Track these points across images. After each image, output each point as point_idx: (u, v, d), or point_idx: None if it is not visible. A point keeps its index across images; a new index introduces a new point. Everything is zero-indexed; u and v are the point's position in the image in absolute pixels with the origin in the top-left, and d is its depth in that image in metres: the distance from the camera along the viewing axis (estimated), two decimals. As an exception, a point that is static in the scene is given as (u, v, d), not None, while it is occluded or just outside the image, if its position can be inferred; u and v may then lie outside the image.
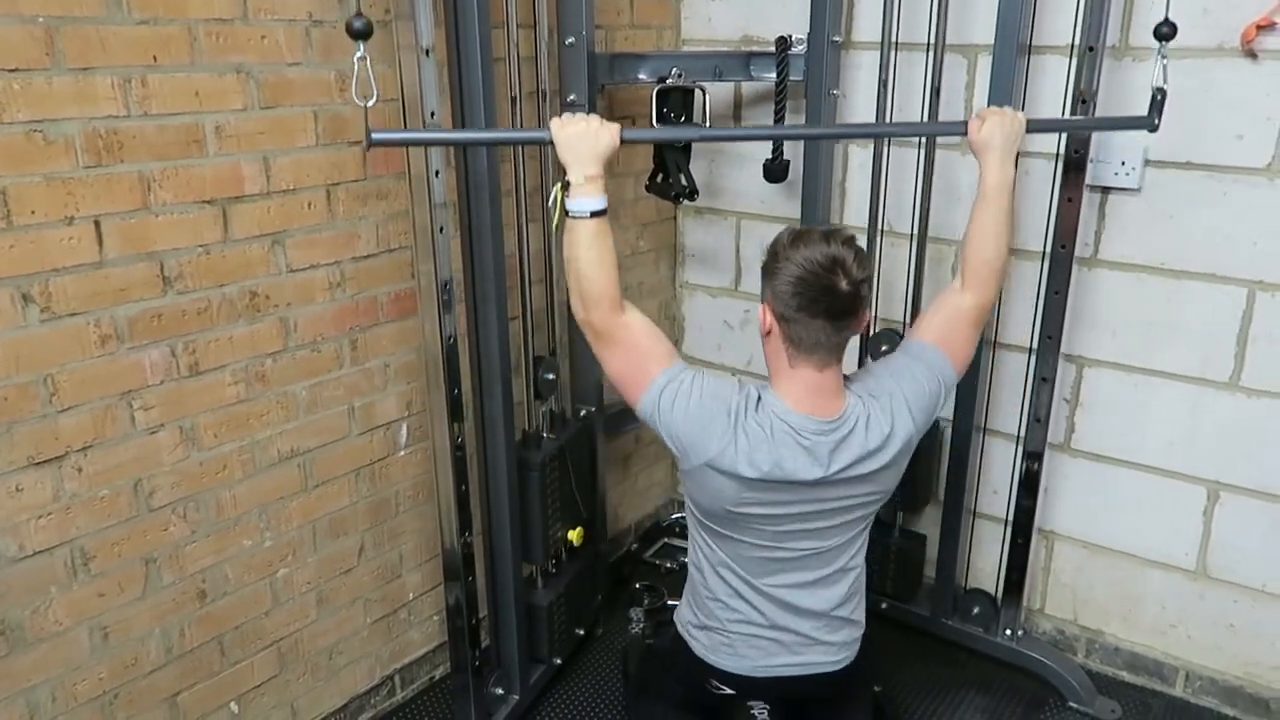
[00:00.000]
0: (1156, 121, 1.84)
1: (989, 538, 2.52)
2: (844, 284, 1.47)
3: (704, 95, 2.31)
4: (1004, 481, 2.43)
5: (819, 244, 1.49)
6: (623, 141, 1.55)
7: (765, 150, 2.46)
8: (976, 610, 2.48)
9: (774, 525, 1.60)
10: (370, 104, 1.43)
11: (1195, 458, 2.24)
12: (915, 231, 2.32)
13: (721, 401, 1.54)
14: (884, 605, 2.57)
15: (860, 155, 2.48)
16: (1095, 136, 2.08)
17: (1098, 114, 2.03)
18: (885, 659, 2.48)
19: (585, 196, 1.53)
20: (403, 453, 2.21)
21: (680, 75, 2.30)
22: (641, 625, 2.64)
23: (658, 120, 2.31)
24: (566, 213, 1.54)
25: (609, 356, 1.60)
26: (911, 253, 2.34)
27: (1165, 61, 1.79)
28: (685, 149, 2.39)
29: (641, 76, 2.35)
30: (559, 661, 2.39)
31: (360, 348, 2.07)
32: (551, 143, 1.55)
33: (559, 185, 1.56)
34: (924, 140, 2.25)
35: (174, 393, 1.76)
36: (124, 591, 1.76)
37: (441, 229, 1.76)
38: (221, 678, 1.95)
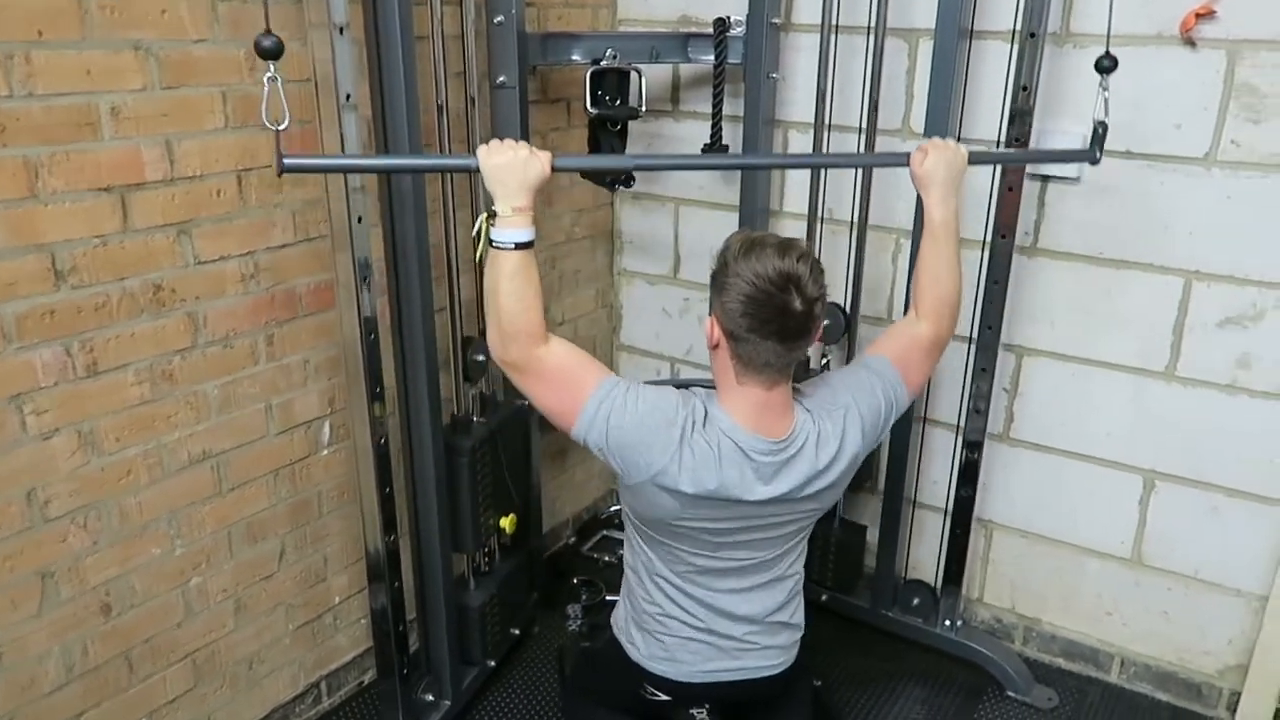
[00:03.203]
0: (1098, 155, 1.81)
1: (929, 528, 2.51)
2: (797, 303, 1.38)
3: (640, 78, 2.24)
4: (944, 472, 2.41)
5: (772, 257, 1.38)
6: (554, 170, 1.46)
7: (705, 134, 2.40)
8: (916, 601, 2.47)
9: (714, 538, 1.54)
10: (283, 128, 1.32)
11: (1132, 447, 2.24)
12: (855, 219, 2.27)
13: (664, 416, 1.46)
14: (824, 597, 2.54)
15: (800, 140, 2.42)
16: (1037, 125, 2.05)
17: (1038, 101, 1.99)
18: (825, 652, 2.46)
19: (511, 228, 1.43)
20: (325, 451, 2.10)
21: (615, 57, 2.22)
22: (579, 623, 2.57)
23: (592, 105, 2.22)
24: (490, 242, 1.45)
25: (534, 391, 1.50)
26: (851, 241, 2.30)
27: (1107, 94, 1.75)
28: (621, 133, 2.31)
29: (575, 57, 2.26)
30: (493, 663, 2.31)
31: (278, 342, 1.95)
32: (478, 171, 1.45)
33: (484, 216, 1.47)
34: (864, 126, 2.20)
35: (70, 395, 1.63)
36: (18, 609, 1.63)
37: (360, 218, 1.66)
38: (130, 695, 1.84)
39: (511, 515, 2.26)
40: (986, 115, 2.13)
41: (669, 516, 1.50)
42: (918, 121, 2.19)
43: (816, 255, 1.47)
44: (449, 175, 1.99)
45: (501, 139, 1.47)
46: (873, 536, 2.52)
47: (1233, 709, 2.25)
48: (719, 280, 1.43)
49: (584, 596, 2.68)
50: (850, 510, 2.56)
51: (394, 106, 1.72)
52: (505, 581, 2.31)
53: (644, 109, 2.25)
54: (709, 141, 2.35)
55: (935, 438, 2.44)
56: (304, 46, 1.63)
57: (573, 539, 2.98)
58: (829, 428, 1.51)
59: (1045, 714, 2.32)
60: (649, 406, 1.46)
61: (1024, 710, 2.33)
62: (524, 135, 2.13)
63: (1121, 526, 2.30)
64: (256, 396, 1.94)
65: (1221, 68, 1.92)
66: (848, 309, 2.33)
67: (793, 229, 2.45)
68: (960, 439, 2.30)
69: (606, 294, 2.92)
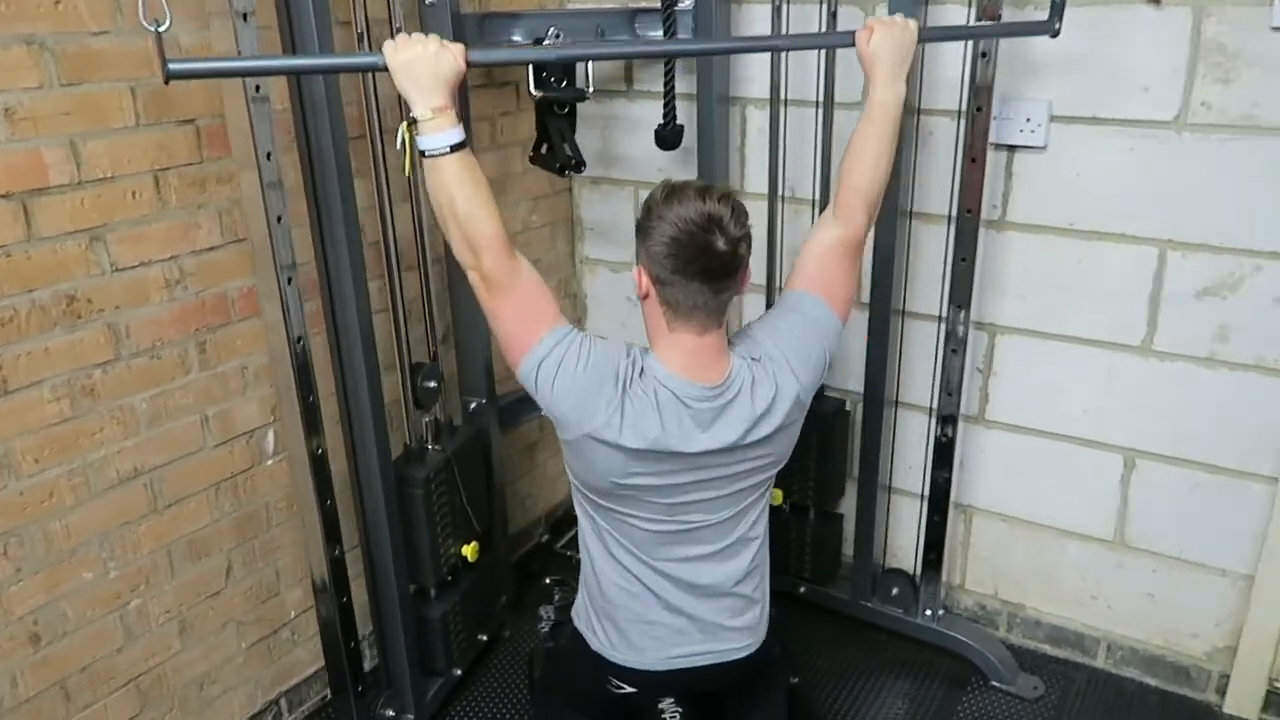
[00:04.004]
0: (1057, 26, 1.69)
1: (907, 515, 2.43)
2: (721, 243, 1.36)
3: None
4: (920, 457, 2.33)
5: (694, 200, 1.37)
6: (469, 65, 1.36)
7: (658, 116, 2.29)
8: (896, 590, 2.39)
9: (664, 497, 1.47)
10: (164, 28, 1.21)
11: (1111, 425, 2.16)
12: (817, 197, 2.18)
13: (610, 367, 1.41)
14: (802, 589, 2.47)
15: (759, 118, 2.32)
16: (997, 92, 1.95)
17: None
18: (804, 645, 2.39)
19: (438, 131, 1.35)
20: (270, 461, 2.01)
21: (559, 36, 2.12)
22: (551, 623, 2.49)
23: (536, 87, 2.12)
24: (422, 154, 1.36)
25: (501, 307, 1.43)
26: (814, 219, 2.20)
27: None
28: (569, 116, 2.21)
29: (516, 38, 2.16)
30: (459, 672, 2.23)
31: (211, 350, 1.86)
32: (385, 69, 1.34)
33: (405, 123, 1.36)
34: (821, 100, 2.10)
35: (-21, 416, 1.54)
36: (-65, 644, 1.55)
37: (279, 218, 1.56)
38: (68, 725, 1.76)
39: (474, 543, 2.18)
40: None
41: (614, 475, 1.43)
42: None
43: (737, 196, 1.42)
44: (383, 169, 1.88)
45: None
46: (851, 526, 2.44)
47: (1222, 692, 2.18)
48: (644, 227, 1.41)
49: (557, 597, 2.57)
50: (827, 501, 2.47)
51: (311, 106, 1.61)
52: (469, 590, 2.23)
53: (591, 90, 2.15)
54: (662, 123, 2.25)
55: (909, 421, 2.36)
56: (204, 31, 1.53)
57: (545, 536, 2.90)
58: (761, 375, 1.47)
59: (1031, 703, 2.25)
60: (599, 356, 1.42)
61: (1009, 700, 2.25)
62: (464, 122, 2.02)
63: (1102, 507, 2.22)
64: (190, 408, 1.85)
65: (1188, 26, 1.83)
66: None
67: (754, 209, 2.34)
68: (933, 423, 2.22)
69: (570, 283, 2.82)
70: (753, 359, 1.48)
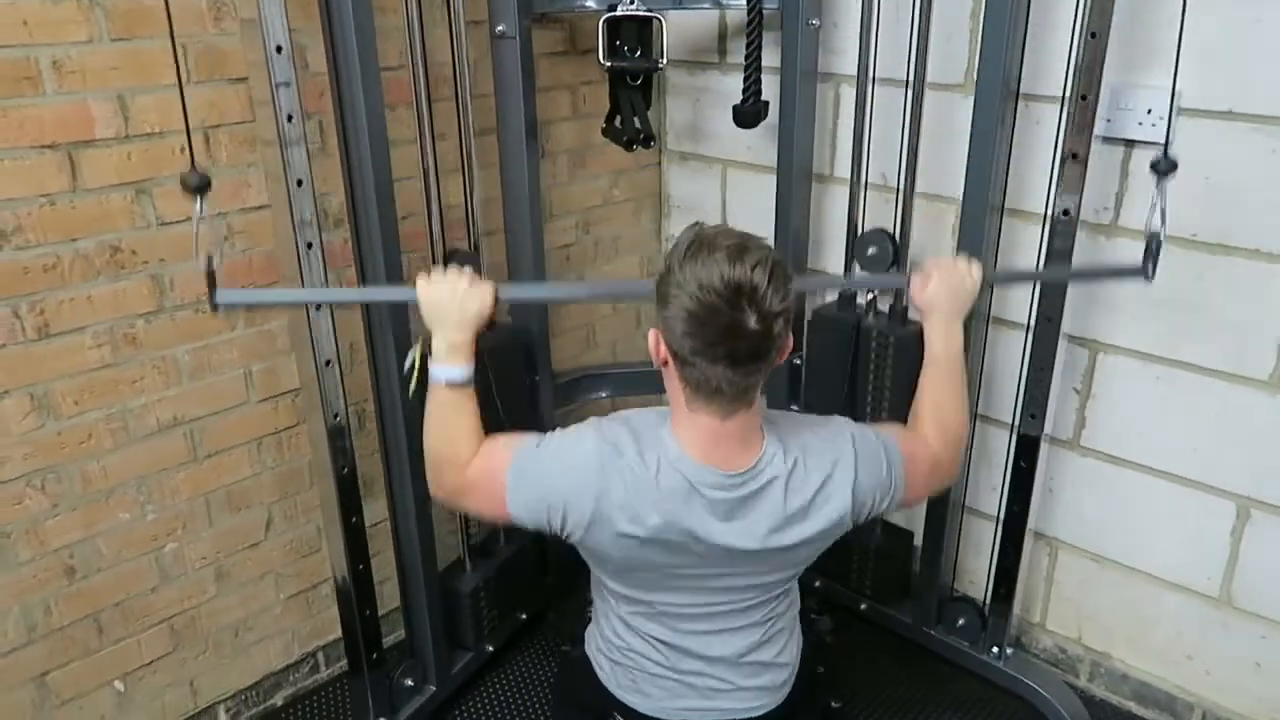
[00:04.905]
0: (1151, 272, 1.53)
1: (983, 539, 2.21)
2: (752, 321, 1.15)
3: (662, 26, 2.01)
4: (1001, 478, 2.11)
5: (721, 263, 1.14)
6: (498, 301, 1.39)
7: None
8: (962, 621, 2.18)
9: (677, 581, 1.36)
10: (216, 263, 1.35)
11: (1225, 467, 1.88)
12: (901, 184, 1.98)
13: (577, 457, 1.30)
14: (863, 605, 2.30)
15: (853, 96, 2.13)
16: (1114, 78, 1.71)
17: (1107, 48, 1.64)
18: (858, 667, 2.23)
19: (443, 364, 1.36)
20: (316, 421, 2.03)
21: (634, 2, 2.00)
22: (586, 623, 2.43)
23: (607, 56, 2.02)
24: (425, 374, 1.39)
25: (471, 504, 1.40)
26: (899, 207, 2.00)
27: (1162, 206, 1.48)
28: (643, 86, 2.09)
29: (589, 3, 2.06)
30: (491, 649, 2.21)
31: (258, 308, 1.88)
32: (415, 303, 1.39)
33: (416, 350, 1.44)
34: (911, 79, 1.90)
35: (20, 357, 1.60)
36: (-32, 568, 1.65)
37: (299, 181, 1.54)
38: (100, 656, 1.83)
39: None
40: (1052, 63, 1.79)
41: (616, 562, 1.36)
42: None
43: (780, 258, 1.20)
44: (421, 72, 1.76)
45: (446, 263, 1.48)
46: (920, 543, 2.25)
47: (1333, 786, 1.89)
48: (661, 289, 1.21)
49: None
50: (896, 514, 2.29)
51: (347, 60, 1.57)
52: (508, 563, 2.19)
53: (665, 61, 2.03)
54: (742, 98, 2.10)
55: (994, 437, 2.14)
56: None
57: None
58: (808, 474, 1.30)
59: (1101, 766, 2.02)
60: (557, 447, 1.33)
61: (1076, 758, 2.03)
62: (527, 94, 1.95)
63: (1208, 559, 1.94)
64: (234, 362, 1.88)
65: (1353, 5, 1.53)
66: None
67: (839, 195, 2.17)
68: (1013, 444, 1.99)
69: (654, 262, 2.72)
70: (805, 451, 1.32)
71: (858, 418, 2.02)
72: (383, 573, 2.10)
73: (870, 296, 2.05)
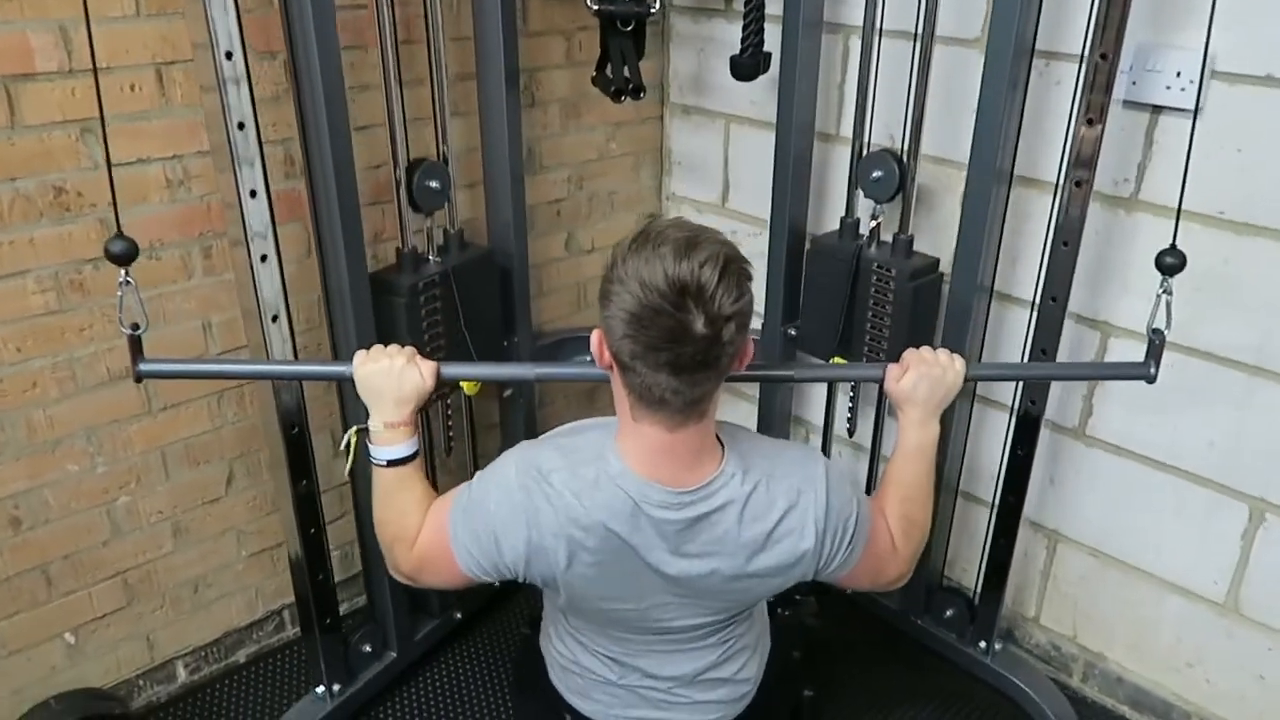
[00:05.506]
0: (1153, 370, 1.45)
1: (977, 527, 2.10)
2: (698, 325, 1.02)
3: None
4: (996, 461, 1.98)
5: (666, 258, 1.02)
6: (441, 379, 1.32)
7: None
8: (950, 612, 2.08)
9: (625, 619, 1.28)
10: (141, 333, 1.33)
11: (1241, 466, 1.74)
12: (906, 144, 1.84)
13: (502, 492, 1.20)
14: (850, 590, 2.19)
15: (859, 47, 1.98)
16: (1141, 36, 1.55)
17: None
18: (839, 653, 2.13)
19: (384, 445, 1.30)
20: (281, 375, 1.95)
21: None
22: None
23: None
24: (367, 456, 1.33)
25: (431, 577, 1.32)
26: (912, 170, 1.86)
27: (1169, 299, 1.41)
28: (635, 33, 1.96)
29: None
30: (459, 615, 2.15)
31: (217, 256, 1.80)
32: (351, 381, 1.33)
33: (353, 430, 1.40)
34: (920, 31, 1.74)
35: (-46, 300, 1.54)
36: (-94, 514, 1.60)
37: (241, 124, 1.43)
38: (50, 608, 1.79)
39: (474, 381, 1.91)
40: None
41: (573, 601, 1.28)
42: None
43: (735, 254, 1.06)
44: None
45: (385, 343, 1.34)
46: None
47: (1335, 810, 1.77)
48: (603, 285, 1.08)
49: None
50: (889, 495, 2.18)
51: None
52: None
53: (657, 6, 1.89)
54: (741, 49, 1.96)
55: (993, 420, 2.01)
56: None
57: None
58: (771, 501, 1.18)
59: (1087, 772, 1.91)
60: (482, 485, 1.24)
61: (1061, 763, 1.93)
62: (508, 36, 1.83)
63: (1216, 563, 1.81)
64: (191, 312, 1.80)
65: None
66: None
67: (844, 155, 2.02)
68: (1010, 433, 1.86)
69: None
70: (770, 477, 1.19)
71: (854, 357, 1.96)
72: (350, 535, 2.04)
73: (875, 224, 1.91)
